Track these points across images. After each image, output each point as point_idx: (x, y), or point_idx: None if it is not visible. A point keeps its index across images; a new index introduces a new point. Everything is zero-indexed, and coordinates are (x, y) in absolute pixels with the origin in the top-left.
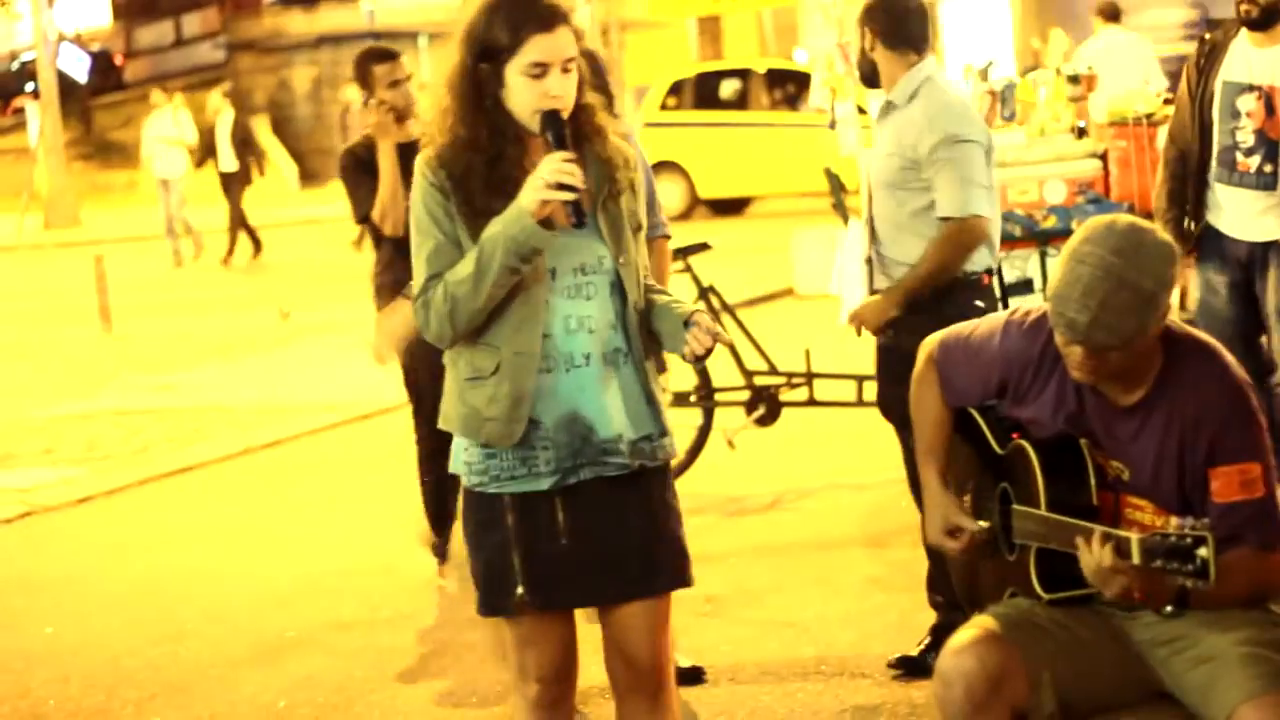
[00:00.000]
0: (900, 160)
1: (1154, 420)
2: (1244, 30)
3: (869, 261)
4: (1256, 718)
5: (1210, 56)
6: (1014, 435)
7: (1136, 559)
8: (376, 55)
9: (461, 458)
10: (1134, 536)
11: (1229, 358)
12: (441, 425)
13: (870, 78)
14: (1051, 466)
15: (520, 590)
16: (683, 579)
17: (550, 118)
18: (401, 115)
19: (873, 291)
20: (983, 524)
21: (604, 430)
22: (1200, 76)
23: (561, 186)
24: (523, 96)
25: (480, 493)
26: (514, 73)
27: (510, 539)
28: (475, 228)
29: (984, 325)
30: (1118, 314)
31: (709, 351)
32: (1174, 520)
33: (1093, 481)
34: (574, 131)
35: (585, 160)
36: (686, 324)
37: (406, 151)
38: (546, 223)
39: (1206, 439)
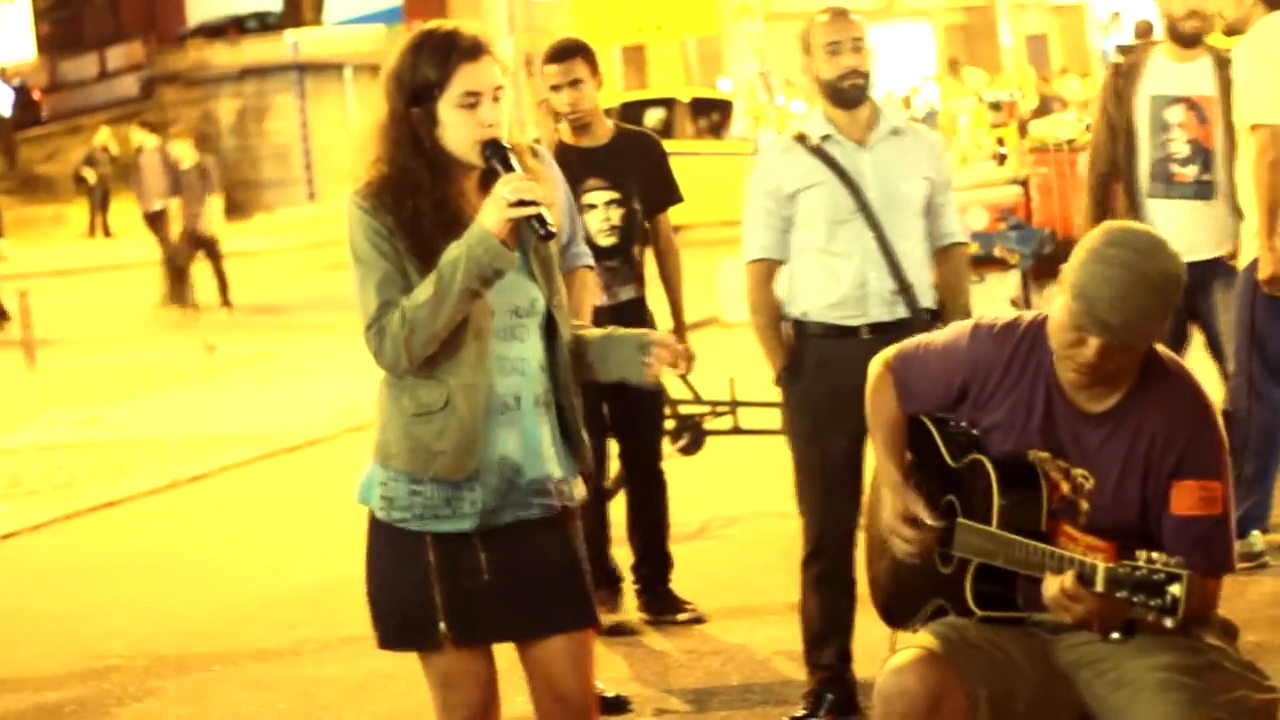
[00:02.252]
0: (927, 185)
1: (1123, 430)
2: (1159, 48)
3: (899, 293)
4: None
5: (1129, 76)
6: (975, 449)
7: (1100, 587)
8: (551, 54)
9: (378, 492)
10: (1100, 564)
11: (1198, 379)
12: (378, 461)
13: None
14: (1008, 485)
15: (443, 626)
16: (594, 613)
17: (493, 145)
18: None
19: (896, 323)
20: (939, 523)
21: (532, 472)
22: (1119, 97)
23: (523, 203)
24: (459, 130)
25: (400, 529)
26: (447, 107)
27: (431, 577)
28: (427, 266)
29: (947, 332)
30: (1148, 315)
31: (686, 363)
32: (1143, 553)
33: (1045, 505)
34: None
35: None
36: (643, 348)
37: (592, 156)
38: (506, 243)
39: (1175, 453)
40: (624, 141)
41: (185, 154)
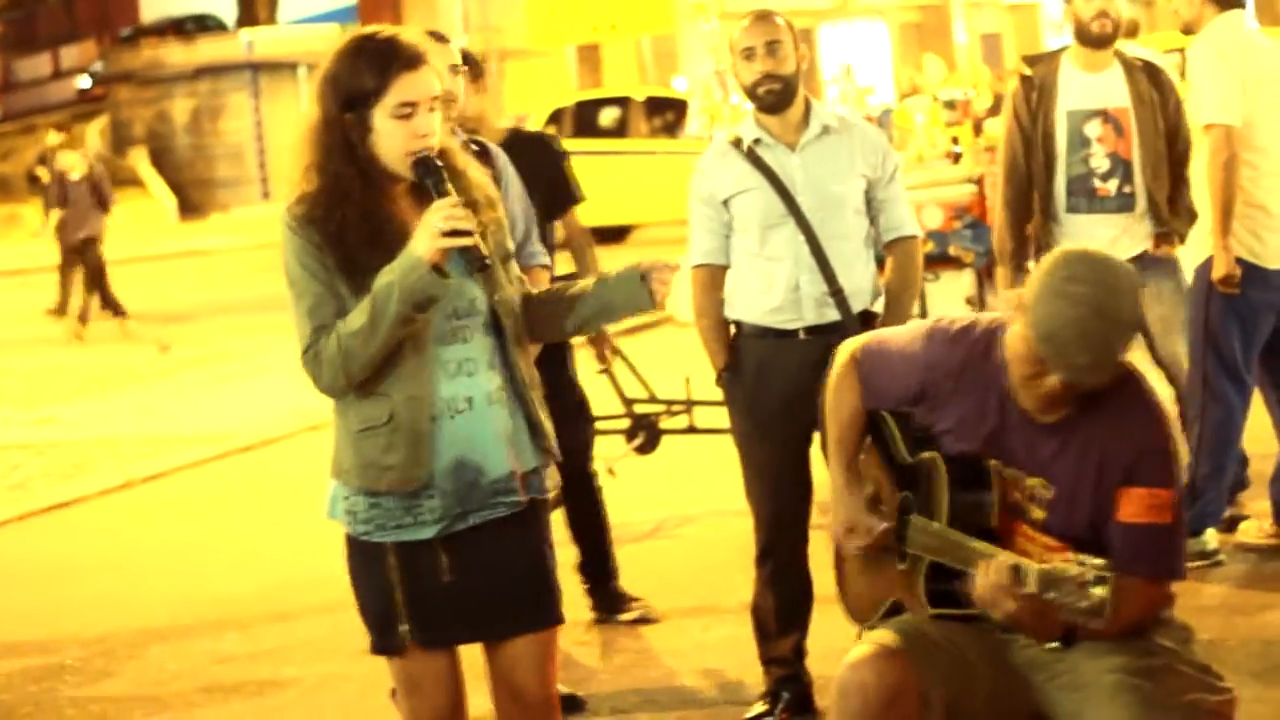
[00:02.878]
0: (864, 183)
1: (1076, 439)
2: (1066, 56)
3: (831, 296)
4: None
5: (1041, 90)
6: (931, 447)
7: (1032, 587)
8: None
9: (342, 506)
10: (1033, 565)
11: (1149, 384)
12: (334, 477)
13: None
14: (959, 483)
15: (405, 628)
16: (560, 613)
17: (425, 165)
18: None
19: (826, 327)
20: (886, 525)
21: (494, 470)
22: (1033, 111)
23: (456, 233)
24: (392, 139)
25: (364, 541)
26: (382, 116)
27: (392, 581)
28: (356, 282)
29: (906, 331)
30: (1115, 351)
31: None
32: (1074, 556)
33: (995, 505)
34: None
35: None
36: (644, 277)
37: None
38: (439, 269)
39: (1126, 461)
40: (515, 147)
41: (74, 165)
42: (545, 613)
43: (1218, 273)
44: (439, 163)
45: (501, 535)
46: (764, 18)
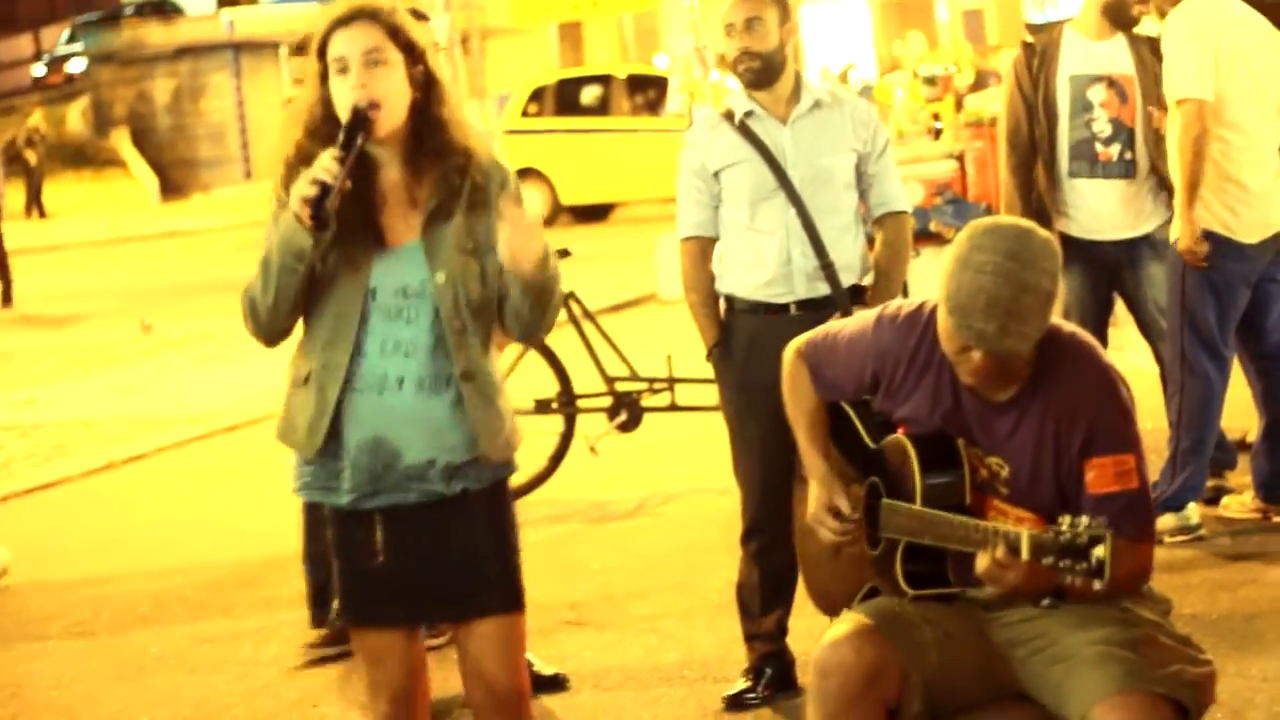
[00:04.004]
0: (854, 157)
1: (1030, 414)
2: (1071, 26)
3: (822, 270)
4: (1109, 718)
5: (1044, 57)
6: (893, 429)
7: (1026, 555)
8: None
9: (293, 464)
10: (1024, 531)
11: (1100, 350)
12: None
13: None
14: (929, 463)
15: (335, 604)
16: (515, 602)
17: (353, 113)
18: None
19: (818, 301)
20: (858, 515)
21: (411, 456)
22: (1035, 77)
23: (315, 182)
24: (338, 98)
25: (309, 501)
26: (331, 77)
27: (330, 551)
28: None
29: (854, 322)
30: (1023, 319)
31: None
32: (1065, 518)
33: (967, 481)
34: (416, 147)
35: (429, 178)
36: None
37: None
38: (318, 222)
39: (1083, 431)
40: None
41: None
42: (490, 600)
43: (1182, 244)
44: (368, 116)
45: (438, 520)
46: None
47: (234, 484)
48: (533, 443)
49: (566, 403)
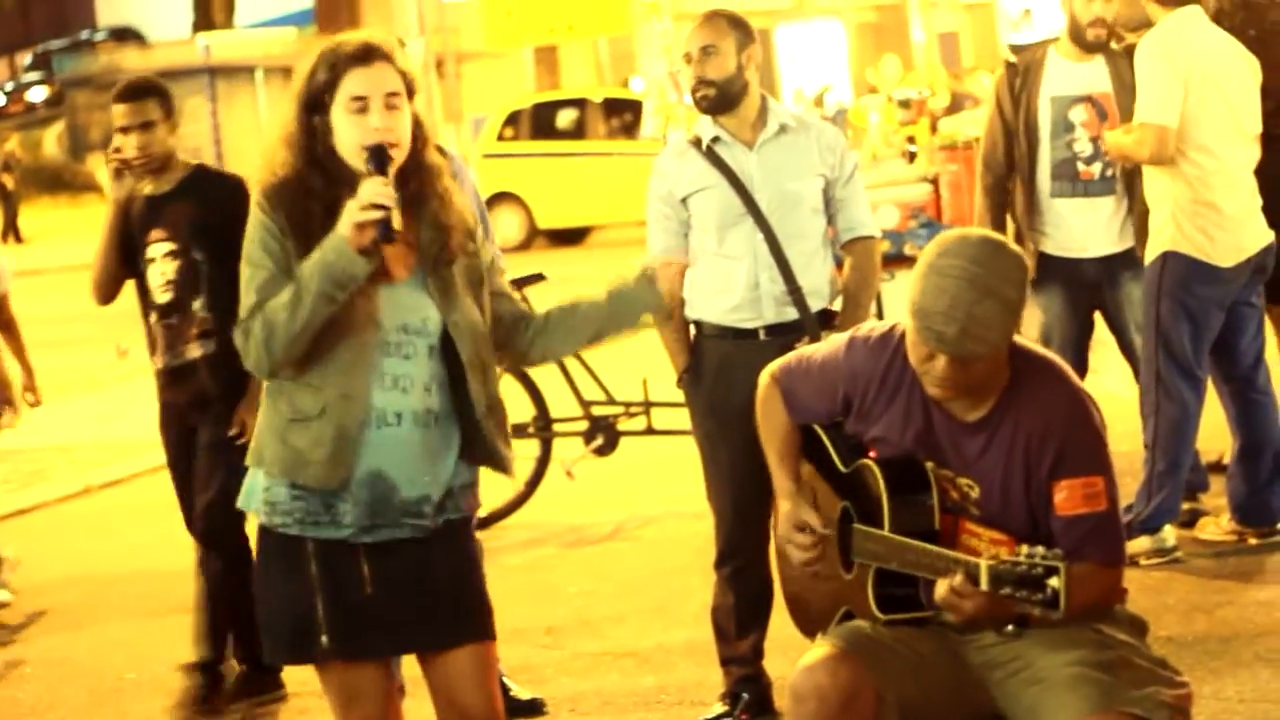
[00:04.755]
0: (822, 182)
1: (1000, 435)
2: (1055, 47)
3: (790, 294)
4: None
5: (1026, 77)
6: (865, 456)
7: (985, 585)
8: (120, 93)
9: (261, 496)
10: (983, 562)
11: (1071, 373)
12: (250, 463)
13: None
14: (897, 488)
15: (325, 640)
16: (490, 628)
17: (374, 150)
18: (130, 166)
19: (786, 326)
20: (828, 531)
21: (408, 491)
22: (1016, 97)
23: (375, 207)
24: (348, 134)
25: (283, 534)
26: (338, 112)
27: (314, 586)
28: None
29: (826, 345)
30: (985, 323)
31: None
32: (1024, 548)
33: (936, 506)
34: (415, 192)
35: (422, 219)
36: (649, 278)
37: (154, 205)
38: (365, 252)
39: (1052, 452)
40: (192, 187)
41: None
42: (477, 626)
43: (1111, 153)
44: (389, 153)
45: (423, 548)
46: (708, 21)
47: None
48: None
49: (543, 427)
